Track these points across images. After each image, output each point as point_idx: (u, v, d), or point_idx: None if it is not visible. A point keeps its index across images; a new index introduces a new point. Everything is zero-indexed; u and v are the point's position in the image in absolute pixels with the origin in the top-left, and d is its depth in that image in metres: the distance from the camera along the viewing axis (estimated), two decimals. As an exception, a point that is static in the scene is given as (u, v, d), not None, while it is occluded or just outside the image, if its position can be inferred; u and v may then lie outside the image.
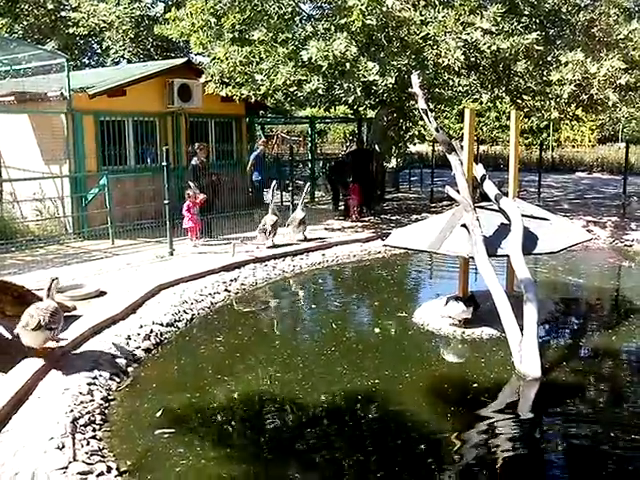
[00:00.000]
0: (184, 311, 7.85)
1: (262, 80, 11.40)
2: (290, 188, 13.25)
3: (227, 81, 12.04)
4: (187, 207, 11.36)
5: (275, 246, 11.34)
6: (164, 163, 10.54)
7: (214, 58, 11.68)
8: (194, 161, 12.29)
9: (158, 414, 5.30)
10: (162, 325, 7.27)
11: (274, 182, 12.58)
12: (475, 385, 5.94)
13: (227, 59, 11.28)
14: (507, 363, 6.29)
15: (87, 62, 27.88)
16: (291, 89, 11.56)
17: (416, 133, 19.11)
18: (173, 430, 5.05)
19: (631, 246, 12.54)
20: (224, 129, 15.69)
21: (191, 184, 11.67)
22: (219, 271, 9.57)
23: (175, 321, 7.53)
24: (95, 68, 24.35)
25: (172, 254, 10.41)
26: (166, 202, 10.47)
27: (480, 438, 5.05)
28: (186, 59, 16.12)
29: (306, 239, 12.00)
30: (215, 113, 14.95)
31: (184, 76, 13.75)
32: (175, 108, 13.72)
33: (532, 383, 5.97)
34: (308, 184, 13.74)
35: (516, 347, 6.25)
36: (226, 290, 8.93)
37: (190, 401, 5.60)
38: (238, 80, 11.82)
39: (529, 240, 7.14)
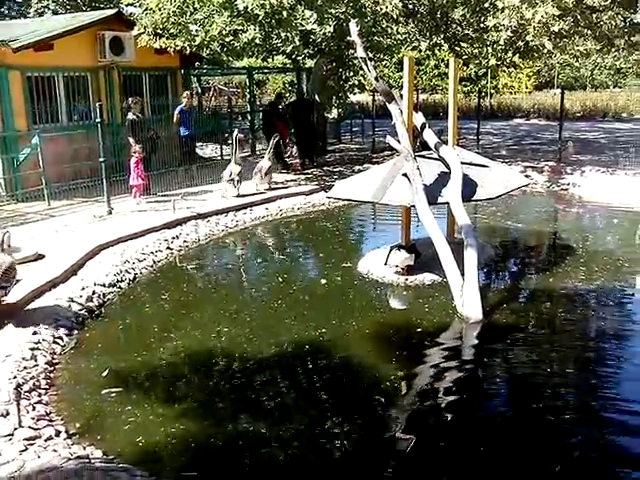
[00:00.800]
0: (126, 271, 7.72)
1: (197, 30, 11.03)
2: (230, 141, 13.01)
3: (160, 32, 11.59)
4: (135, 163, 11.04)
5: (241, 196, 11.47)
6: (98, 120, 10.17)
7: (146, 9, 11.22)
8: (130, 116, 11.90)
9: (104, 374, 5.26)
10: (104, 286, 7.14)
11: (235, 131, 12.57)
12: (419, 330, 6.09)
13: (160, 9, 10.85)
14: (449, 307, 6.47)
15: (6, 12, 26.33)
16: (227, 39, 11.23)
17: (356, 82, 18.95)
18: (120, 389, 5.03)
19: (567, 190, 12.92)
20: (159, 82, 15.16)
21: (131, 140, 11.33)
22: (160, 229, 9.41)
23: (117, 281, 7.40)
24: (16, 19, 23.04)
25: (111, 213, 10.15)
26: (102, 160, 10.14)
27: (425, 380, 5.22)
28: (117, 10, 15.38)
29: (270, 188, 12.20)
30: (149, 66, 14.40)
31: (115, 28, 13.16)
32: (107, 62, 13.15)
33: (474, 325, 6.17)
34: (276, 136, 13.57)
35: (458, 291, 6.43)
36: (168, 248, 8.81)
37: (136, 360, 5.57)
38: (172, 31, 11.40)
39: (468, 187, 7.26)
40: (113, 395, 4.95)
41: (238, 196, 11.52)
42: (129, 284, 7.51)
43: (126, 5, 15.45)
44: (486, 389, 5.19)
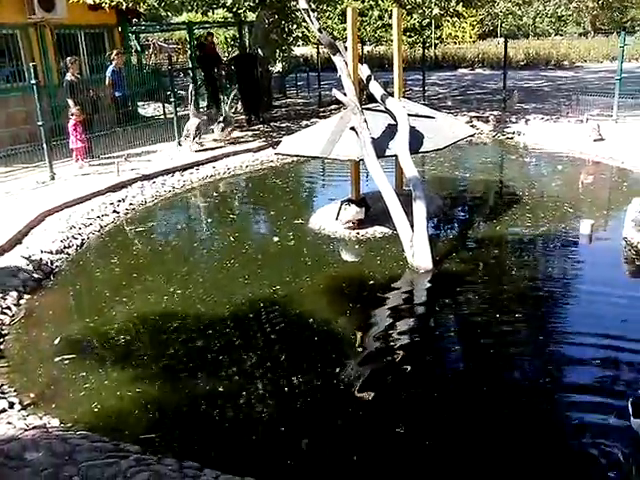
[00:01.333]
0: (73, 237, 7.54)
1: (132, -16, 10.61)
2: (172, 99, 12.69)
3: (93, -13, 11.10)
4: (73, 126, 10.65)
5: (203, 150, 11.71)
6: (33, 81, 9.74)
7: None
8: (68, 77, 11.43)
9: (56, 342, 5.19)
10: (51, 253, 6.97)
11: (190, 86, 12.67)
12: (372, 282, 6.17)
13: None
14: (400, 259, 6.55)
15: None
16: (165, -7, 10.85)
17: (299, 35, 18.65)
18: (74, 356, 4.97)
19: (512, 138, 13.10)
20: (96, 41, 14.58)
21: (69, 101, 10.90)
22: (105, 192, 9.19)
23: (65, 247, 7.24)
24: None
25: (53, 178, 9.83)
26: (40, 124, 9.76)
27: (380, 330, 5.30)
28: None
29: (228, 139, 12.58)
30: (84, 24, 13.80)
31: (43, -19, 12.51)
32: (37, 19, 12.55)
33: (424, 275, 6.27)
34: (235, 90, 13.47)
35: (408, 243, 6.51)
36: (115, 211, 8.63)
37: (89, 326, 5.50)
38: (105, -14, 10.95)
39: (416, 139, 7.28)
40: (67, 363, 4.89)
41: (198, 151, 11.77)
42: (77, 250, 7.35)
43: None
44: (438, 335, 5.32)
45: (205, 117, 13.03)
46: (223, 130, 12.68)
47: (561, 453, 3.72)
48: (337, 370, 4.65)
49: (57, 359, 4.92)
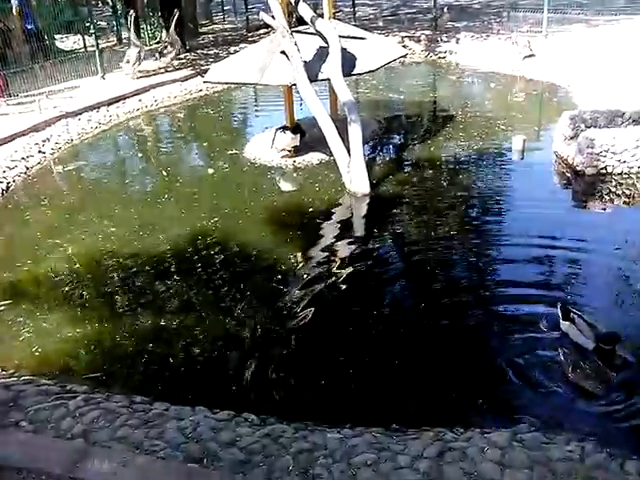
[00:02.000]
0: (-3, 180, 7.21)
1: None
2: (92, 31, 12.02)
3: None
4: None
5: (144, 76, 11.66)
6: None
7: None
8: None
9: (-11, 289, 5.01)
10: (-26, 198, 6.66)
11: (131, 12, 12.60)
12: (311, 209, 6.15)
13: None
14: (338, 184, 6.54)
15: None
16: None
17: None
18: (9, 302, 4.83)
19: (444, 58, 13.03)
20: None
21: None
22: (28, 132, 8.74)
23: (-11, 192, 6.92)
24: None
25: (-31, 119, 9.27)
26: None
27: (321, 257, 5.32)
28: None
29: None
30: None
31: None
32: None
33: (363, 199, 6.30)
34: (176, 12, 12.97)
35: (345, 168, 6.49)
36: (40, 152, 8.25)
37: (23, 270, 5.34)
38: None
39: (348, 61, 7.14)
40: (2, 309, 4.75)
41: (139, 78, 11.65)
42: (3, 194, 7.05)
43: None
44: (378, 255, 5.36)
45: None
46: (167, 55, 12.63)
47: (497, 352, 3.88)
48: (280, 298, 4.68)
49: (-9, 305, 4.76)
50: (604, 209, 6.03)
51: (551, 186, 6.56)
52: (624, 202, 6.01)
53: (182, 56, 13.60)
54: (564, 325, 3.96)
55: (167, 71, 12.31)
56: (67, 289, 5.02)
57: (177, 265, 5.28)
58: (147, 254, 5.41)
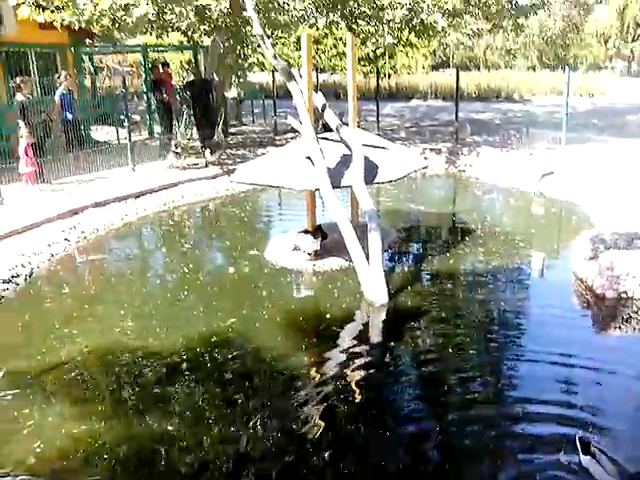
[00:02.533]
0: (22, 265, 7.32)
1: (85, 4, 10.45)
2: (126, 124, 12.53)
3: (44, 4, 10.87)
4: (24, 149, 10.38)
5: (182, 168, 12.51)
6: (-21, 101, 9.46)
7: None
8: (19, 97, 11.13)
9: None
10: (-2, 282, 6.74)
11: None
12: (328, 315, 6.14)
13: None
14: (356, 291, 6.56)
15: None
16: (118, 14, 10.73)
17: (255, 61, 18.71)
18: (17, 391, 4.79)
19: (464, 171, 13.35)
20: (47, 61, 14.33)
21: (20, 123, 10.61)
22: (56, 219, 8.97)
23: (13, 277, 7.02)
24: None
25: (2, 203, 9.53)
26: (-13, 146, 9.49)
27: (335, 368, 5.26)
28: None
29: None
30: (34, 42, 13.55)
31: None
32: (-17, 36, 12.24)
33: (380, 309, 6.29)
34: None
35: (363, 276, 6.52)
36: (66, 239, 8.41)
37: (36, 359, 5.31)
38: (56, 3, 10.74)
39: (370, 170, 7.33)
40: (8, 398, 4.70)
41: (184, 168, 12.60)
42: (26, 279, 7.13)
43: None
44: (393, 371, 5.29)
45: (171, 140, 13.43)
46: (212, 154, 13.27)
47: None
48: (293, 410, 4.59)
49: (-1, 395, 4.72)
50: (625, 333, 5.96)
51: (570, 306, 6.51)
52: (646, 330, 5.95)
53: (208, 155, 14.06)
54: (585, 460, 3.81)
55: (196, 168, 12.71)
56: (77, 382, 4.97)
57: (190, 365, 5.23)
58: (161, 352, 5.39)
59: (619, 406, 4.59)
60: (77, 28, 11.41)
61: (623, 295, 6.28)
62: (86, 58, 18.65)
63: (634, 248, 6.79)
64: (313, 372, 5.19)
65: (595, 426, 4.27)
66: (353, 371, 5.22)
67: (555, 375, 4.96)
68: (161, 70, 16.60)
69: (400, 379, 5.16)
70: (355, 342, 5.74)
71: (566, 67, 14.22)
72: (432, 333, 5.82)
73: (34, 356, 5.37)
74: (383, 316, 6.25)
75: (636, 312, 6.09)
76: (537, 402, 4.59)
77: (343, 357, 5.43)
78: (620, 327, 6.07)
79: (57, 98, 12.44)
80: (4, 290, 6.70)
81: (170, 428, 4.35)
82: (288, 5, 13.84)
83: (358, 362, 5.38)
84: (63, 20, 10.91)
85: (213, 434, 4.30)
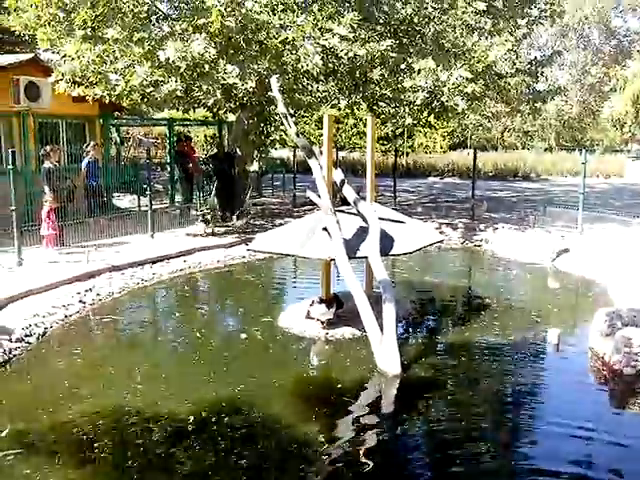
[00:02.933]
0: (35, 325, 7.35)
1: (117, 80, 10.94)
2: (147, 192, 12.81)
3: (79, 80, 11.41)
4: (47, 213, 10.65)
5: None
6: (10, 166, 9.78)
7: (64, 55, 11.03)
8: (46, 164, 11.50)
9: (3, 434, 4.93)
10: (10, 341, 6.76)
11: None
12: (339, 386, 6.05)
13: (79, 57, 10.70)
14: (369, 362, 6.47)
15: None
16: (148, 90, 11.19)
17: (277, 138, 19.20)
18: (20, 451, 4.71)
19: (480, 246, 13.39)
20: (77, 130, 14.88)
21: (46, 188, 10.91)
22: (73, 281, 9.06)
23: (26, 336, 7.03)
24: None
25: (21, 264, 9.69)
26: (13, 208, 9.72)
27: (346, 439, 5.13)
28: (33, 55, 15.04)
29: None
30: (66, 113, 14.13)
31: (31, 73, 12.87)
32: (22, 108, 12.81)
33: (393, 380, 6.18)
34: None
35: (377, 346, 6.46)
36: (81, 301, 8.46)
37: (42, 419, 5.25)
38: (91, 79, 11.26)
39: (386, 242, 7.39)
40: (10, 458, 4.63)
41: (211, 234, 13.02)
42: (38, 339, 7.14)
43: (43, 50, 15.14)
44: (405, 447, 5.14)
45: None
46: (238, 219, 14.11)
47: None
48: (300, 477, 4.47)
49: (1, 454, 4.65)
50: (644, 412, 5.81)
51: (587, 383, 6.38)
52: (665, 408, 5.79)
53: (229, 224, 14.31)
54: None
55: (217, 235, 12.90)
56: (83, 444, 4.88)
57: (198, 431, 5.14)
58: (169, 417, 5.30)
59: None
60: (107, 101, 11.90)
61: (641, 372, 6.15)
62: (113, 129, 19.32)
63: (652, 326, 6.70)
64: (323, 442, 5.05)
65: None
66: (364, 442, 5.10)
67: (570, 450, 4.84)
68: (184, 143, 17.11)
69: (411, 452, 5.03)
70: (366, 413, 5.63)
71: (583, 149, 14.45)
72: (445, 406, 5.70)
73: (40, 416, 5.31)
74: (396, 387, 6.14)
75: (655, 391, 5.95)
76: (550, 476, 4.46)
77: (354, 428, 5.32)
78: (638, 404, 5.92)
79: (84, 166, 12.85)
80: (16, 349, 6.70)
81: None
82: (312, 86, 14.34)
83: (369, 433, 5.26)
84: (95, 95, 11.40)
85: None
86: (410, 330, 7.82)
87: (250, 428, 5.21)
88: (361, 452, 4.93)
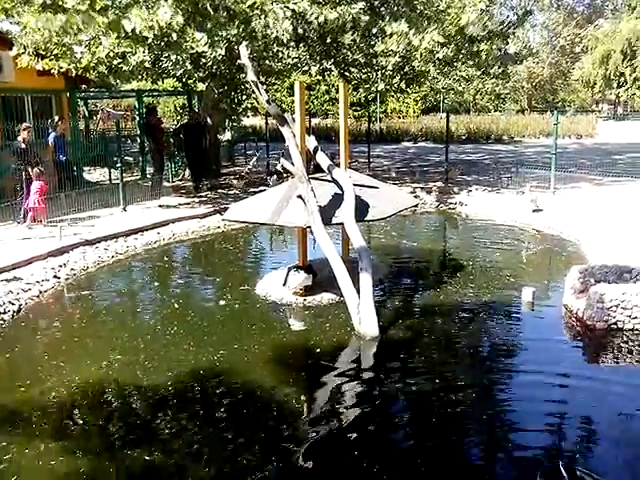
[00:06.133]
0: (9, 302, 7.27)
1: (82, 52, 10.65)
2: (118, 165, 12.63)
3: (43, 53, 11.09)
4: (41, 187, 10.55)
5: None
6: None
7: (25, 27, 10.69)
8: (17, 142, 11.25)
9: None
10: (-16, 319, 6.69)
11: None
12: (319, 349, 6.10)
13: (40, 29, 10.37)
14: (347, 325, 6.53)
15: None
16: (115, 62, 10.93)
17: (249, 106, 19.01)
18: (-2, 424, 4.70)
19: (454, 209, 13.48)
20: (43, 105, 14.52)
21: (29, 169, 10.75)
22: (46, 257, 8.94)
23: (0, 313, 6.95)
24: None
25: (-9, 242, 9.53)
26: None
27: (326, 400, 5.21)
28: (-9, 26, 14.59)
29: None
30: (31, 88, 13.76)
31: (-11, 46, 12.48)
32: (-17, 82, 12.45)
33: (371, 342, 6.25)
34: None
35: (354, 310, 6.51)
36: (55, 277, 8.37)
37: (21, 392, 5.24)
38: (55, 52, 10.95)
39: (361, 208, 7.40)
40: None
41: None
42: (13, 316, 7.07)
43: (1, 21, 14.63)
44: (384, 404, 5.24)
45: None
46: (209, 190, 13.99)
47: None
48: (282, 443, 4.53)
49: (-19, 428, 4.64)
50: (616, 364, 5.95)
51: (561, 338, 6.52)
52: (637, 360, 5.94)
53: (203, 194, 14.20)
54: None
55: (188, 207, 12.79)
56: (64, 416, 4.88)
57: (178, 399, 5.16)
58: (150, 386, 5.32)
59: (605, 431, 4.61)
60: (74, 74, 11.60)
61: (613, 326, 6.29)
62: (81, 102, 18.93)
63: (623, 281, 6.83)
64: (303, 404, 5.13)
65: (581, 452, 4.30)
66: (344, 403, 5.16)
67: (544, 396, 5.04)
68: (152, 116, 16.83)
69: (391, 410, 5.13)
70: (346, 375, 5.67)
71: (554, 110, 14.53)
72: (423, 364, 5.79)
73: (18, 389, 5.30)
74: (374, 349, 6.21)
75: (626, 342, 6.09)
76: (525, 430, 4.64)
77: (334, 390, 5.38)
78: (610, 357, 6.09)
79: (50, 140, 12.58)
80: (-9, 326, 6.64)
81: (156, 461, 4.27)
82: (282, 53, 14.14)
83: (349, 394, 5.33)
84: (61, 68, 11.10)
85: (200, 468, 4.22)
86: (387, 293, 7.88)
87: (230, 394, 5.24)
88: (341, 410, 5.00)
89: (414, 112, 37.75)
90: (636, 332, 6.23)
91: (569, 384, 5.28)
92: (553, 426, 4.68)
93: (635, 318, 6.28)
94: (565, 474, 3.86)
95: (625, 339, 6.14)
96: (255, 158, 17.62)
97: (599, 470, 3.97)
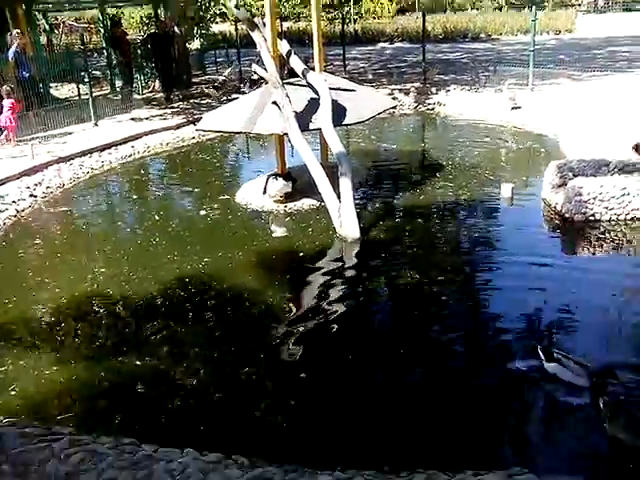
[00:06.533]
0: (-14, 223, 7.20)
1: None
2: (86, 80, 12.21)
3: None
4: (12, 105, 10.26)
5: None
6: None
7: None
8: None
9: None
10: (-37, 240, 6.63)
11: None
12: (302, 253, 6.16)
13: None
14: (329, 229, 6.58)
15: None
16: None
17: (217, 12, 18.29)
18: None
19: (433, 109, 13.31)
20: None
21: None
22: (20, 176, 8.78)
23: (-23, 235, 6.91)
24: None
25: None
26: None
27: (311, 300, 5.31)
28: None
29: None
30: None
31: None
32: None
33: (353, 244, 6.33)
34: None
35: (335, 213, 6.54)
36: (32, 195, 8.26)
37: (8, 307, 5.29)
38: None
39: (338, 112, 7.27)
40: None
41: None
42: (-9, 236, 7.02)
43: None
44: (367, 300, 5.39)
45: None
46: (183, 100, 13.68)
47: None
48: (268, 339, 4.65)
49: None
50: (593, 254, 6.10)
51: (540, 231, 6.64)
52: (613, 248, 6.09)
53: (175, 105, 13.85)
54: (550, 367, 3.95)
55: (160, 119, 12.50)
56: (53, 328, 4.95)
57: (165, 306, 5.24)
58: (136, 296, 5.38)
59: (582, 316, 4.77)
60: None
61: (591, 218, 6.40)
62: (40, 15, 18.06)
63: (600, 174, 6.89)
64: (289, 303, 5.21)
65: (557, 334, 4.54)
66: (328, 299, 5.27)
67: (526, 283, 5.23)
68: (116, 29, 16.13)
69: (374, 304, 5.29)
70: (330, 276, 5.76)
71: (532, 6, 14.13)
72: (404, 265, 5.86)
73: (5, 306, 5.33)
74: (356, 250, 6.28)
75: (603, 233, 6.23)
76: (506, 316, 4.83)
77: (318, 290, 5.48)
78: (588, 247, 6.25)
79: (10, 57, 12.04)
80: (-31, 248, 6.59)
81: (149, 364, 4.37)
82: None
83: (333, 292, 5.44)
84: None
85: (192, 371, 4.32)
86: (367, 197, 7.88)
87: (217, 297, 5.33)
88: (325, 307, 5.12)
89: (389, 12, 36.53)
90: (612, 223, 6.35)
91: (548, 273, 5.42)
92: (533, 312, 4.84)
93: (612, 209, 6.39)
94: (543, 355, 4.03)
95: (602, 230, 6.27)
96: (230, 68, 17.10)
97: (575, 352, 4.12)
